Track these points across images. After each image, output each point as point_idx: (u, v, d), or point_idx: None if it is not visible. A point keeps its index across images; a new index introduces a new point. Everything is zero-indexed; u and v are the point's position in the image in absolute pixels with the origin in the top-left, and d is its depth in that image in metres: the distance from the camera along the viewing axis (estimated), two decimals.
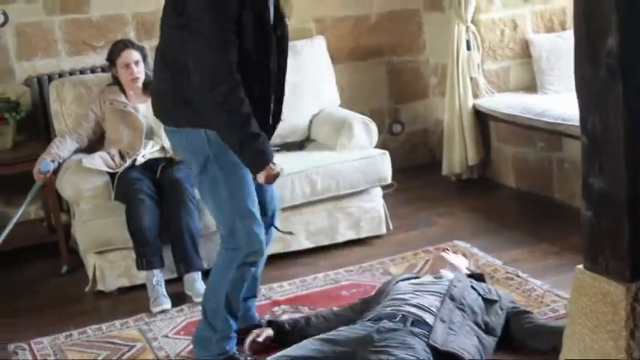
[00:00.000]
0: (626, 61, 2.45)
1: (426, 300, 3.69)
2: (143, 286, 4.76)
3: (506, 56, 6.31)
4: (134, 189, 4.82)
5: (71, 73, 5.69)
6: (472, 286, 3.86)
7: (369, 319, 3.66)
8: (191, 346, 4.04)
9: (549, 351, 3.46)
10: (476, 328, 3.66)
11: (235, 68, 3.44)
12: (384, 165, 5.32)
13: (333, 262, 5.10)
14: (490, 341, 3.69)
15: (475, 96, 6.19)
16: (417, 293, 3.76)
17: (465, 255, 4.62)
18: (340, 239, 5.32)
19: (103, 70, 5.67)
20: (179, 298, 4.70)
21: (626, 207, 2.53)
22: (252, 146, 3.50)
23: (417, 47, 6.90)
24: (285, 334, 3.96)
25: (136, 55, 5.11)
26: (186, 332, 4.29)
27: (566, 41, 5.92)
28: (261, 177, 3.58)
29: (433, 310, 3.63)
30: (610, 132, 2.52)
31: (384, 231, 5.41)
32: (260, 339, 3.95)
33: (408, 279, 4.04)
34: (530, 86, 6.21)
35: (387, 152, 5.37)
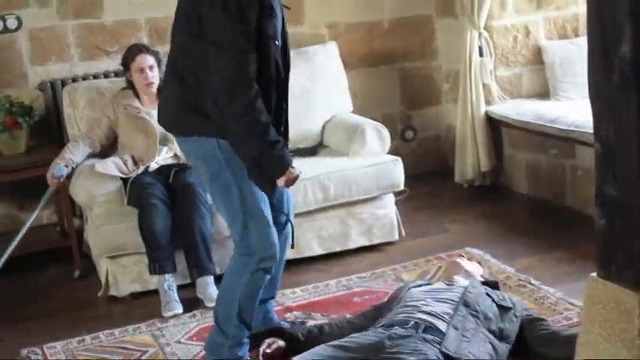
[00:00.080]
0: None
1: (439, 307, 3.68)
2: (156, 292, 4.77)
3: (519, 63, 6.31)
4: (147, 193, 4.82)
5: (84, 78, 5.71)
6: (487, 293, 3.85)
7: (381, 326, 3.65)
8: (203, 352, 4.04)
9: (563, 359, 3.44)
10: (490, 335, 3.65)
11: (254, 78, 3.45)
12: (396, 171, 5.32)
13: (345, 269, 5.10)
14: (504, 348, 3.67)
15: (488, 102, 6.18)
16: (429, 300, 3.75)
17: (479, 263, 4.61)
18: (352, 245, 5.32)
19: (116, 74, 5.68)
20: (192, 303, 4.70)
21: (639, 215, 2.52)
22: (272, 153, 3.51)
23: (430, 53, 6.90)
24: (299, 343, 3.93)
25: (150, 59, 5.12)
26: (199, 338, 4.29)
27: (579, 47, 5.93)
28: (281, 181, 3.60)
29: (445, 317, 3.62)
30: (624, 139, 2.51)
31: (396, 237, 5.41)
32: (269, 350, 3.93)
33: (421, 285, 4.04)
34: (543, 93, 6.20)
35: (399, 159, 5.37)
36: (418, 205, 6.04)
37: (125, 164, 5.02)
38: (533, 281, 4.62)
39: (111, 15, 5.92)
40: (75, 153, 5.06)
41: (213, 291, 4.61)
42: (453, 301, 3.74)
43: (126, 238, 4.84)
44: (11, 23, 5.64)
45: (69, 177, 5.05)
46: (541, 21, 6.31)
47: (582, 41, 5.88)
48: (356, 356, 3.49)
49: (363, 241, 5.34)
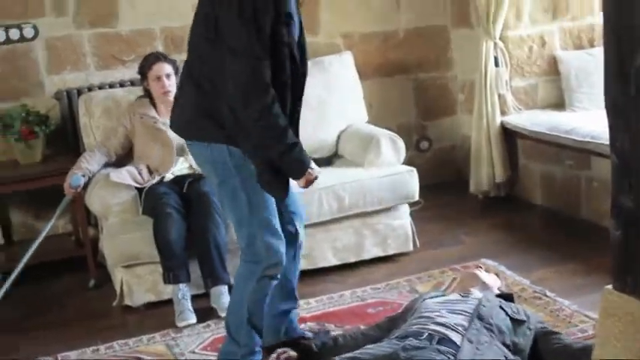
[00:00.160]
0: None
1: (453, 318, 3.66)
2: (170, 302, 4.77)
3: (534, 73, 6.29)
4: (162, 203, 4.83)
5: (100, 87, 5.74)
6: (500, 306, 3.82)
7: (395, 337, 3.63)
8: None
9: None
10: (504, 348, 3.62)
11: (270, 84, 3.45)
12: (411, 182, 5.31)
13: (359, 280, 5.09)
14: None
15: (503, 113, 6.17)
16: (443, 311, 3.74)
17: (497, 275, 4.56)
18: (367, 256, 5.31)
19: (132, 84, 5.70)
20: (206, 313, 4.70)
21: None
22: (292, 155, 3.53)
23: (445, 64, 6.90)
24: (313, 355, 3.93)
25: (167, 68, 5.12)
26: (213, 348, 4.29)
27: (594, 58, 5.91)
28: (301, 182, 3.63)
29: (460, 328, 3.60)
30: None
31: (410, 248, 5.40)
32: None
33: (436, 297, 4.02)
34: (559, 103, 6.18)
35: (414, 169, 5.35)
36: (433, 215, 6.03)
37: (140, 174, 5.02)
38: (548, 293, 4.60)
39: (127, 24, 5.95)
40: (91, 162, 5.07)
41: (226, 300, 4.59)
42: (468, 312, 3.71)
43: (141, 247, 4.84)
44: (28, 32, 5.69)
45: (85, 186, 5.06)
46: (556, 31, 6.30)
47: (598, 52, 5.87)
48: None
49: (378, 252, 5.33)
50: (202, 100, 3.59)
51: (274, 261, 3.72)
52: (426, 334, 3.55)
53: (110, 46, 5.93)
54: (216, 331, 4.51)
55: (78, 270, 5.44)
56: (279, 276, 3.82)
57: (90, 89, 5.69)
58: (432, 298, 3.99)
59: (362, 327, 4.21)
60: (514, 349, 3.66)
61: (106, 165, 5.16)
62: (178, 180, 5.03)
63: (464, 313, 3.71)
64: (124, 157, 5.24)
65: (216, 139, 3.60)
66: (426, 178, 5.73)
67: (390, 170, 5.32)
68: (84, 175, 4.98)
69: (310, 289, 4.93)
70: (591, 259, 4.94)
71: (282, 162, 3.54)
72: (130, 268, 4.90)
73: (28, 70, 5.77)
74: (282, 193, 3.64)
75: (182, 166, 5.09)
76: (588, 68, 5.95)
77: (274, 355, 3.94)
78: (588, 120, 5.52)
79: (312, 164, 3.66)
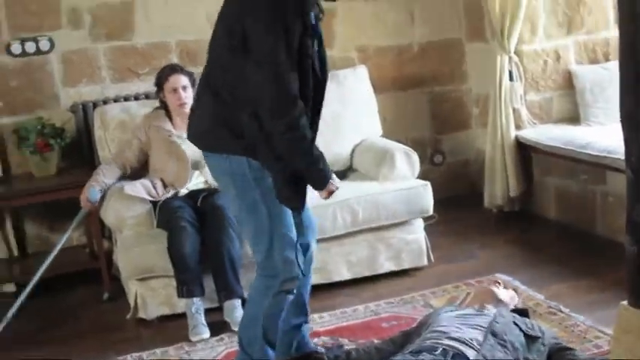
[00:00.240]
0: None
1: (469, 333, 3.64)
2: (184, 315, 4.77)
3: (549, 87, 6.28)
4: (176, 217, 4.83)
5: (115, 100, 5.76)
6: (514, 322, 3.80)
7: (409, 352, 3.62)
8: None
9: None
10: None
11: (298, 96, 3.44)
12: (426, 196, 5.30)
13: (373, 294, 5.08)
14: None
15: (517, 127, 6.16)
16: (458, 326, 3.72)
17: (515, 290, 4.48)
18: (381, 270, 5.30)
19: (147, 97, 5.72)
20: (219, 327, 4.70)
21: None
22: (317, 166, 3.56)
23: (460, 77, 6.90)
24: None
25: (184, 80, 5.12)
26: None
27: (609, 72, 5.90)
28: (323, 194, 3.66)
29: (474, 344, 3.58)
30: None
31: (425, 263, 5.39)
32: None
33: (450, 311, 4.00)
34: (574, 118, 6.17)
35: (429, 183, 5.35)
36: (447, 230, 6.02)
37: (155, 187, 5.03)
38: (563, 308, 4.58)
39: (142, 37, 5.97)
40: (108, 175, 5.08)
41: (239, 314, 4.56)
42: (483, 327, 3.70)
43: (155, 260, 4.84)
44: (44, 45, 5.72)
45: (101, 200, 5.07)
46: (571, 45, 6.29)
47: (613, 66, 5.86)
48: None
49: (392, 266, 5.32)
50: (221, 109, 3.58)
51: (291, 275, 3.71)
52: (440, 349, 3.53)
53: (126, 59, 5.95)
54: (229, 344, 4.51)
55: (92, 282, 5.45)
56: (294, 290, 3.82)
57: (105, 102, 5.71)
58: (446, 312, 3.97)
59: (376, 341, 4.19)
60: None
61: (121, 178, 5.16)
62: (193, 194, 5.03)
63: (479, 327, 3.69)
64: (139, 170, 5.24)
65: (234, 151, 3.58)
66: (439, 192, 5.72)
67: (405, 184, 5.32)
68: (101, 190, 4.99)
69: (324, 304, 4.92)
70: (606, 274, 4.91)
71: (307, 173, 3.56)
72: (145, 281, 4.90)
73: (44, 82, 5.80)
74: (299, 205, 3.64)
75: (197, 180, 5.09)
76: (603, 82, 5.94)
77: None
78: (604, 134, 5.51)
79: (333, 175, 3.68)
